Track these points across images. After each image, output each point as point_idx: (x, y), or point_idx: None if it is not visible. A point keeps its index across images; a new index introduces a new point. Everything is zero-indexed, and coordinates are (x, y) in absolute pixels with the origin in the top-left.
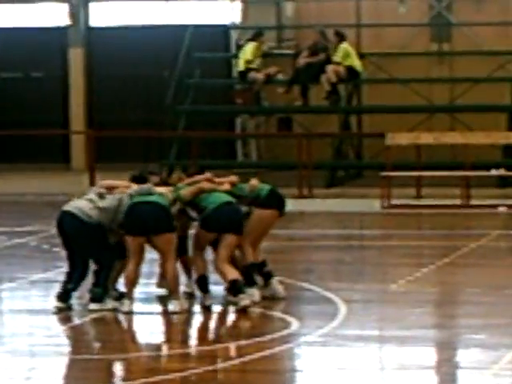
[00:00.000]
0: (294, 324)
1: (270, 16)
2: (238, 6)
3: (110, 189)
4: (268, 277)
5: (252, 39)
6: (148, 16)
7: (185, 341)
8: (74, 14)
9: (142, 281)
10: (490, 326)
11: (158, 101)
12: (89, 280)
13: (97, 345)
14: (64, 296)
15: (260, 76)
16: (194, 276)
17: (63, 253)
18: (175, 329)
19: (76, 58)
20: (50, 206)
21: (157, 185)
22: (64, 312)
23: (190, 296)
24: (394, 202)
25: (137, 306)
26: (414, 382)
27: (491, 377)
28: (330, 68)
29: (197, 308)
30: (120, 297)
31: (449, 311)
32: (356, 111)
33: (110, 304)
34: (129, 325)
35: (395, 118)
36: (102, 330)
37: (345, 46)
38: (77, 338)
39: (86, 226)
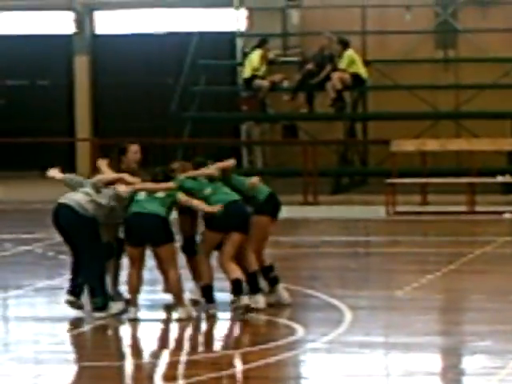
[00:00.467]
0: (300, 331)
1: (275, 23)
2: (244, 13)
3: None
4: (274, 282)
5: (257, 46)
6: (153, 24)
7: (190, 348)
8: (79, 22)
9: (146, 288)
10: (496, 333)
11: (163, 108)
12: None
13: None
14: (75, 290)
15: (265, 83)
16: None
17: (69, 260)
18: (181, 336)
19: (81, 65)
20: None
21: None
22: (70, 319)
23: (195, 303)
24: (400, 208)
25: (142, 313)
26: None
27: (497, 383)
28: (335, 75)
29: (202, 315)
30: (125, 302)
31: (454, 318)
32: (361, 118)
33: (114, 308)
34: (134, 332)
35: (400, 125)
36: (107, 337)
37: (350, 53)
38: (82, 345)
39: (81, 218)
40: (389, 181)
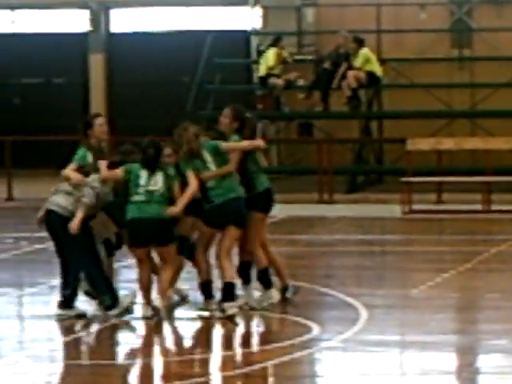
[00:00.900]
0: (315, 329)
1: (290, 22)
2: (259, 11)
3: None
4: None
5: (272, 45)
6: (169, 22)
7: (205, 346)
8: (94, 20)
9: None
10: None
11: (178, 106)
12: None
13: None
14: (65, 303)
15: (280, 81)
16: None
17: None
18: (196, 334)
19: (97, 63)
20: None
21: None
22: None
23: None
24: (415, 207)
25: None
26: None
27: None
28: (350, 73)
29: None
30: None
31: (470, 316)
32: (377, 116)
33: (125, 302)
34: (148, 330)
35: (416, 124)
36: (121, 336)
37: (365, 51)
38: (97, 343)
39: (69, 222)
40: (404, 179)
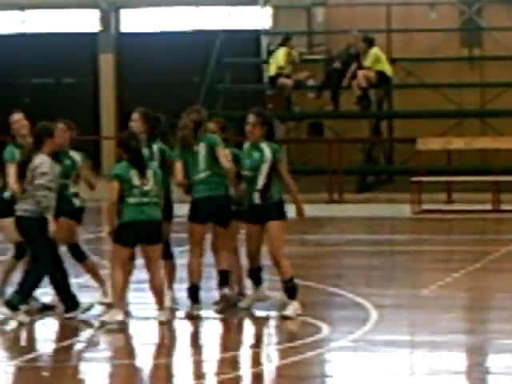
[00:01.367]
0: (325, 329)
1: (300, 21)
2: (269, 11)
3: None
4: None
5: (282, 44)
6: (179, 22)
7: (216, 346)
8: (104, 20)
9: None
10: None
11: (188, 106)
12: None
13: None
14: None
15: (290, 81)
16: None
17: (95, 258)
18: (208, 334)
19: (107, 63)
20: None
21: None
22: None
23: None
24: (425, 207)
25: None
26: None
27: None
28: (360, 73)
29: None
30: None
31: (480, 316)
32: (387, 116)
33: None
34: (162, 331)
35: (426, 123)
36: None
37: (375, 51)
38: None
39: (25, 220)
40: (414, 179)
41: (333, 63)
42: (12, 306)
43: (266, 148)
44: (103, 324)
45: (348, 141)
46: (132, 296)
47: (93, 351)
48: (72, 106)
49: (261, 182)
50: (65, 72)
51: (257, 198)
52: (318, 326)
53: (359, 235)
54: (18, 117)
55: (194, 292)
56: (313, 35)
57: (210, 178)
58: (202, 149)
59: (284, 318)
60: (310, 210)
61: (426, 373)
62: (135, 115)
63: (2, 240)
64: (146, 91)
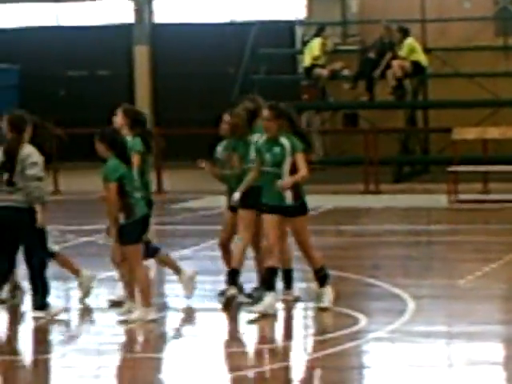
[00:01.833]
0: (363, 320)
1: (334, 12)
2: (303, 1)
3: None
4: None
5: (316, 35)
6: (213, 13)
7: (256, 338)
8: (139, 12)
9: (207, 278)
10: None
11: (223, 98)
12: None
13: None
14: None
15: (325, 72)
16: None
17: None
18: (247, 326)
19: (141, 55)
20: None
21: None
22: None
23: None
24: (461, 196)
25: (201, 304)
26: (483, 378)
27: None
28: (395, 63)
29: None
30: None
31: None
32: (422, 106)
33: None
34: (195, 322)
35: (461, 113)
36: (167, 329)
37: (410, 41)
38: (144, 336)
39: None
40: (450, 169)
41: (367, 53)
42: (41, 307)
43: (285, 142)
44: (130, 321)
45: (383, 131)
46: (168, 288)
47: (132, 347)
48: (107, 97)
49: (286, 179)
50: (99, 64)
51: (288, 198)
52: (355, 317)
53: (396, 226)
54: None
55: (233, 275)
56: (347, 25)
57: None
58: (254, 140)
59: (321, 309)
60: (346, 201)
61: (463, 363)
62: (117, 110)
63: None
64: (180, 83)
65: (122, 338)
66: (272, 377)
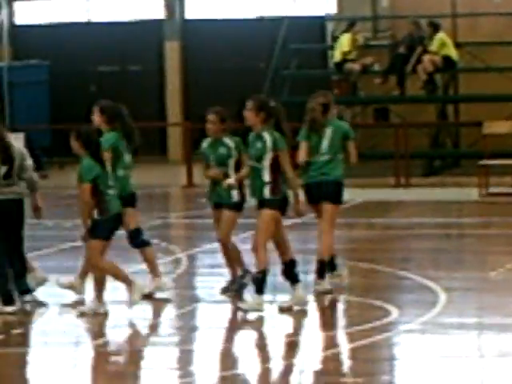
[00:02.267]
0: (394, 312)
1: (365, 7)
2: None
3: None
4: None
5: (346, 30)
6: (244, 8)
7: (285, 331)
8: (170, 7)
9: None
10: None
11: (254, 92)
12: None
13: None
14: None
15: (356, 67)
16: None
17: (163, 244)
18: (276, 320)
19: (172, 51)
20: (148, 197)
21: None
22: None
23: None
24: (492, 190)
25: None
26: None
27: None
28: (426, 58)
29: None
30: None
31: None
32: (453, 100)
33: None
34: (223, 315)
35: (492, 107)
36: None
37: (441, 35)
38: (177, 328)
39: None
40: (481, 162)
41: (397, 48)
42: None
43: (267, 138)
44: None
45: (414, 125)
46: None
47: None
48: (138, 93)
49: (267, 175)
50: (131, 60)
51: (268, 192)
52: (386, 309)
53: (426, 219)
54: None
55: (322, 267)
56: (378, 20)
57: (328, 163)
58: (328, 133)
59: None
60: (377, 194)
61: (495, 355)
62: (94, 108)
63: None
64: (211, 78)
65: (153, 330)
66: (303, 368)
